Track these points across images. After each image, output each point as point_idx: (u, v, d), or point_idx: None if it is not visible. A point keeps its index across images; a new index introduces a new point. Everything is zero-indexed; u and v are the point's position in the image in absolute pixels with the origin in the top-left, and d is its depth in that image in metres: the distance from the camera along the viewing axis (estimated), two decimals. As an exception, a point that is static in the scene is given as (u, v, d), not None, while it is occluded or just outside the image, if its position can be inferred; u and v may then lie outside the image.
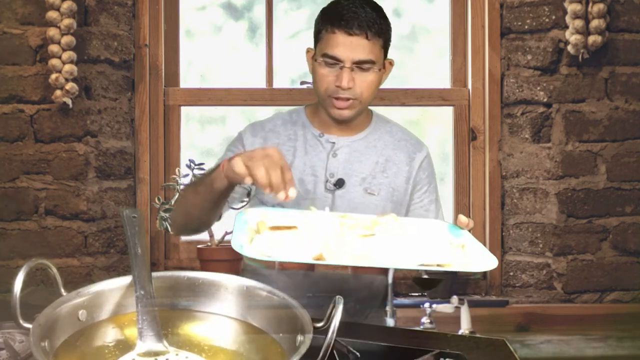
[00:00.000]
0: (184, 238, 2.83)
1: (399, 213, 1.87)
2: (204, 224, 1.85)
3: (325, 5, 1.84)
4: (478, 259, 1.30)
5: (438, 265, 1.24)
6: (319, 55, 1.78)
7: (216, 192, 1.55)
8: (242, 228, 1.31)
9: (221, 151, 2.01)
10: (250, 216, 1.38)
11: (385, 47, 1.81)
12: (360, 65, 1.75)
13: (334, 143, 1.87)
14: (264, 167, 1.36)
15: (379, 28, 1.75)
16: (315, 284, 1.79)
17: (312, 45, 1.88)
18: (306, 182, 1.83)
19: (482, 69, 2.81)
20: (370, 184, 1.85)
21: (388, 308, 1.79)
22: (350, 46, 1.73)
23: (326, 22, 1.77)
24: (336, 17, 1.75)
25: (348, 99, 1.77)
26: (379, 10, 1.79)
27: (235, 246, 1.21)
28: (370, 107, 1.93)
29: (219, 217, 1.85)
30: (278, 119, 1.93)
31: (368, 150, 1.88)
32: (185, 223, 1.81)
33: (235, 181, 1.47)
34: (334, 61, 1.75)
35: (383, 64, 1.81)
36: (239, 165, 1.39)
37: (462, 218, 1.47)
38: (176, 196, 2.12)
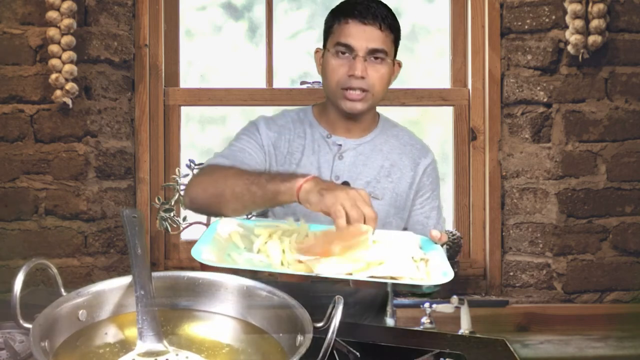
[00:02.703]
0: (183, 237, 2.83)
1: (402, 218, 1.87)
2: (228, 214, 1.79)
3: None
4: (435, 273, 1.29)
5: (391, 278, 1.24)
6: (331, 46, 1.78)
7: (274, 203, 1.51)
8: (209, 236, 1.34)
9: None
10: (223, 227, 1.39)
11: (396, 43, 1.82)
12: (373, 54, 1.75)
13: (340, 145, 1.85)
14: (349, 216, 1.32)
15: (390, 22, 1.77)
16: (315, 283, 1.78)
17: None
18: None
19: (482, 69, 2.82)
20: (375, 188, 1.83)
21: (388, 308, 1.79)
22: (364, 34, 1.74)
23: (339, 15, 1.79)
24: (349, 9, 1.76)
25: (361, 91, 1.76)
26: (389, 9, 1.81)
27: (195, 253, 1.23)
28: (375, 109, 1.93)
29: None
30: (287, 116, 1.92)
31: (374, 153, 1.87)
32: (209, 205, 1.67)
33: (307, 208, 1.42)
34: (347, 50, 1.75)
35: (393, 61, 1.82)
36: (324, 205, 1.35)
37: (434, 232, 1.48)
38: (200, 170, 1.86)
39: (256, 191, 1.52)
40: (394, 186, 1.85)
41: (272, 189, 1.48)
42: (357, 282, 1.25)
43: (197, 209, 1.74)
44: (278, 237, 1.35)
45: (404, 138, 1.92)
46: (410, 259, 1.36)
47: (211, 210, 1.73)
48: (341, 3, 1.82)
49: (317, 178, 1.43)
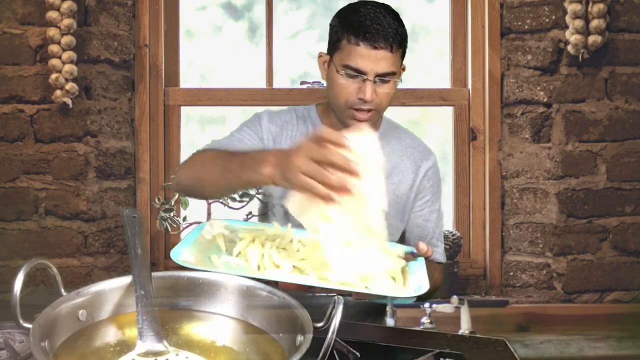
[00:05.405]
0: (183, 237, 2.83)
1: (402, 221, 1.86)
2: (212, 197, 1.83)
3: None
4: (411, 286, 1.29)
5: (366, 288, 1.25)
6: (339, 66, 1.72)
7: (250, 187, 1.53)
8: (192, 238, 1.33)
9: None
10: (208, 229, 1.39)
11: (404, 54, 1.77)
12: (382, 76, 1.71)
13: None
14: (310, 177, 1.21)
15: (401, 39, 1.72)
16: None
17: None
18: None
19: (482, 69, 2.82)
20: None
21: (388, 308, 1.79)
22: (374, 59, 1.69)
23: (348, 31, 1.71)
24: (360, 29, 1.69)
25: (368, 111, 1.74)
26: (397, 16, 1.74)
27: (174, 254, 1.23)
28: None
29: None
30: (292, 112, 1.91)
31: None
32: (191, 188, 1.70)
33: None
34: (357, 73, 1.70)
35: (400, 71, 1.78)
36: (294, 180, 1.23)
37: (421, 245, 1.46)
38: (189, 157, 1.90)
39: (231, 179, 1.48)
40: (394, 188, 1.84)
41: (246, 178, 1.42)
42: (358, 294, 1.25)
43: (182, 192, 1.76)
44: (261, 242, 1.34)
45: (406, 140, 1.91)
46: (383, 269, 1.36)
47: (193, 193, 1.74)
48: (350, 13, 1.74)
49: (278, 153, 1.33)
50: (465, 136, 2.87)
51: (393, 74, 1.72)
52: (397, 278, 1.34)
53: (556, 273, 2.76)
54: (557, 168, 2.76)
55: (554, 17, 2.75)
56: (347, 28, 1.72)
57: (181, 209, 2.71)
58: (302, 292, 1.35)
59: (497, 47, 2.78)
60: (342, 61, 1.72)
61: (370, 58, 1.69)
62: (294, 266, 1.29)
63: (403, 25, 1.75)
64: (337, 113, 1.80)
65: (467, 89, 2.87)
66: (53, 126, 2.72)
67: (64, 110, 2.71)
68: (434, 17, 2.97)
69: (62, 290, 1.05)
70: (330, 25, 1.79)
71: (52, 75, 2.63)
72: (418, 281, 1.30)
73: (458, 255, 2.75)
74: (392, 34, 1.69)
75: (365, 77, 1.70)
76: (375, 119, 1.81)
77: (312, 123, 1.88)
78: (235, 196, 2.51)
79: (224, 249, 1.34)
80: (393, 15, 1.73)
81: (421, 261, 1.44)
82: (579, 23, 2.63)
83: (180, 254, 1.24)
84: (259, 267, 1.28)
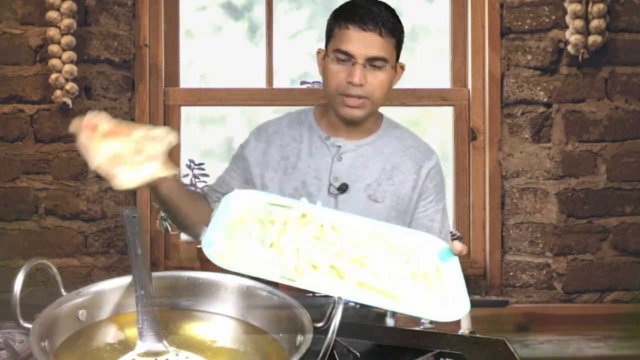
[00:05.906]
0: (183, 237, 2.83)
1: (404, 222, 1.84)
2: (182, 227, 1.91)
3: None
4: (451, 302, 1.24)
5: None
6: (331, 51, 1.76)
7: (154, 192, 1.66)
8: (221, 220, 1.26)
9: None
10: (235, 204, 1.31)
11: (398, 48, 1.79)
12: (372, 62, 1.73)
13: (339, 147, 1.83)
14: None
15: (392, 26, 1.75)
16: None
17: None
18: (309, 185, 1.81)
19: (482, 69, 2.81)
20: (375, 190, 1.81)
21: (388, 308, 1.78)
22: (363, 42, 1.72)
23: (340, 19, 1.77)
24: (350, 14, 1.74)
25: (359, 98, 1.75)
26: (392, 11, 1.79)
27: (205, 243, 1.16)
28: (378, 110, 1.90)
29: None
30: (285, 119, 1.91)
31: (375, 156, 1.84)
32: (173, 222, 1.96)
33: None
34: (346, 57, 1.73)
35: (395, 66, 1.80)
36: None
37: (457, 244, 1.46)
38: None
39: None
40: (395, 189, 1.83)
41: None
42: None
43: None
44: (293, 227, 1.27)
45: (407, 140, 1.90)
46: (419, 274, 1.31)
47: (177, 225, 1.97)
48: (343, 5, 1.80)
49: None
50: (465, 136, 2.87)
51: (384, 60, 1.74)
52: (431, 284, 1.29)
53: (556, 273, 2.76)
54: (557, 168, 2.76)
55: (554, 17, 2.75)
56: (338, 16, 1.78)
57: (181, 209, 2.71)
58: (302, 292, 1.34)
59: (497, 47, 2.78)
60: (333, 46, 1.77)
61: (359, 40, 1.72)
62: (330, 266, 1.22)
63: (397, 17, 1.79)
64: (331, 103, 1.81)
65: (467, 89, 2.86)
66: (53, 126, 2.72)
67: (64, 110, 2.71)
68: (434, 17, 2.97)
69: (62, 290, 1.06)
70: (327, 21, 1.84)
71: (52, 75, 2.63)
72: (457, 295, 1.25)
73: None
74: (381, 18, 1.73)
75: (355, 60, 1.72)
76: (368, 109, 1.79)
77: (309, 126, 1.87)
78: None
79: (254, 232, 1.26)
80: (386, 7, 1.78)
81: (456, 263, 1.40)
82: (579, 23, 2.63)
83: (213, 243, 1.16)
84: (295, 269, 1.19)
